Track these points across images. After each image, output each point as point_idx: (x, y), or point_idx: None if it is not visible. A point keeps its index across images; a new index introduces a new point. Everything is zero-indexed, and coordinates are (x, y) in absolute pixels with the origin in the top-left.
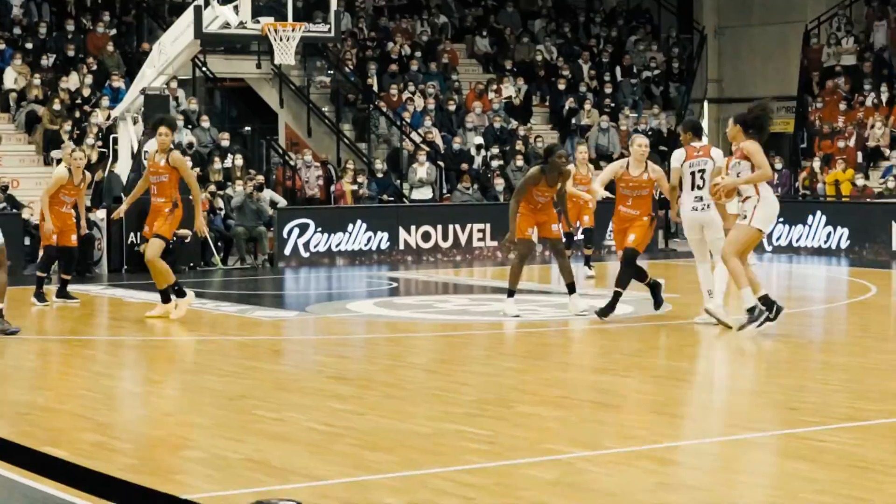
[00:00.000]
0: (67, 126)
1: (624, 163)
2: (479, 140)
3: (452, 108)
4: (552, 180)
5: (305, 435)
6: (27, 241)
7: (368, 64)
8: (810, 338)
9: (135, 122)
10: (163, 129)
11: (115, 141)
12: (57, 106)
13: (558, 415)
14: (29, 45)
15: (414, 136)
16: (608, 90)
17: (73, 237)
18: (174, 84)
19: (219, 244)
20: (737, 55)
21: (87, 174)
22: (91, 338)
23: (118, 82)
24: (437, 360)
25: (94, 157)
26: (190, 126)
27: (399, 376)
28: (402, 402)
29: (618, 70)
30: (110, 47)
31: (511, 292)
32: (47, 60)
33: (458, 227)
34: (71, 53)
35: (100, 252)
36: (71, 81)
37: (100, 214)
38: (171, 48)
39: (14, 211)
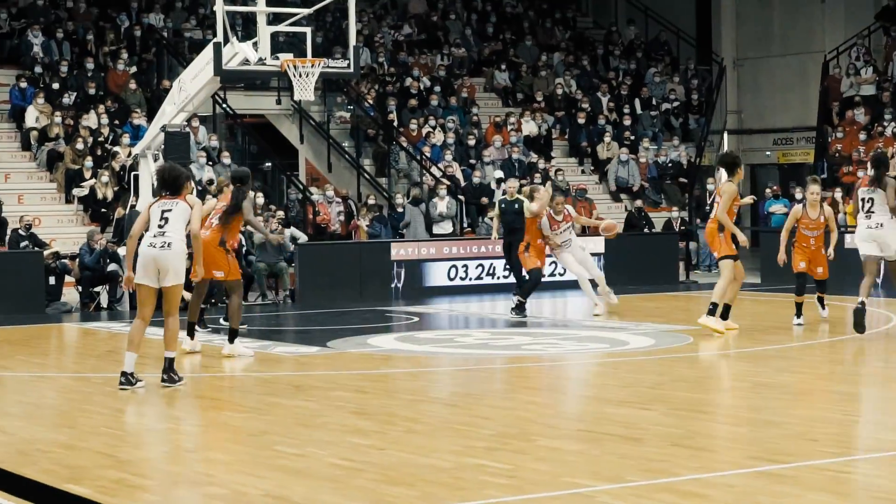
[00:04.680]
0: (89, 163)
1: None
2: (500, 174)
3: (472, 142)
4: None
5: (327, 470)
6: (52, 280)
7: (388, 99)
8: (831, 368)
9: (155, 160)
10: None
11: (136, 178)
12: (80, 145)
13: (580, 448)
14: (55, 86)
15: (434, 170)
16: (627, 122)
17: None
18: (195, 121)
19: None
20: (756, 86)
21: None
22: (113, 375)
23: (139, 120)
24: (458, 395)
25: (110, 195)
26: (211, 163)
27: (419, 411)
28: (423, 437)
29: (637, 102)
30: (132, 85)
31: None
32: (69, 99)
33: (479, 260)
34: (92, 91)
35: (122, 289)
36: (91, 120)
37: (121, 251)
38: (191, 85)
39: (36, 249)
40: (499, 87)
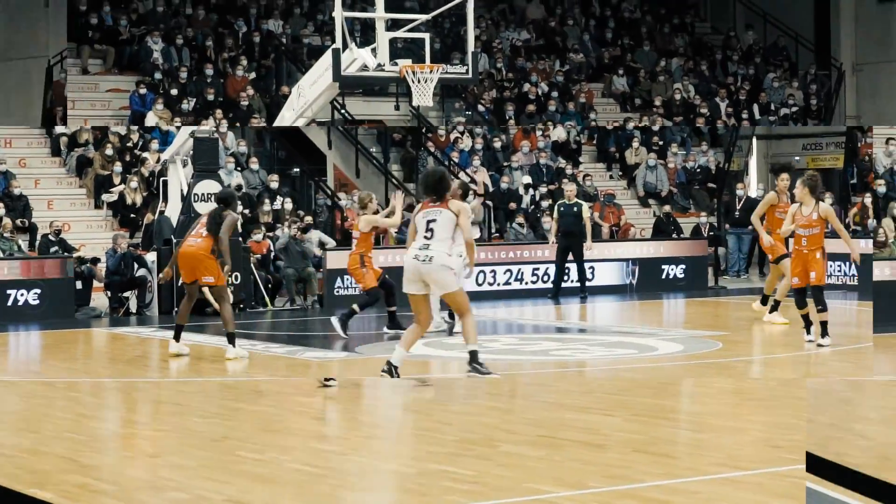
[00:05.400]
0: (118, 168)
1: None
2: (528, 179)
3: (498, 144)
4: None
5: (289, 476)
6: (79, 285)
7: (506, 104)
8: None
9: (184, 165)
10: None
11: (165, 184)
12: (109, 150)
13: (542, 454)
14: (174, 92)
15: (462, 175)
16: (745, 126)
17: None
18: (223, 127)
19: (268, 286)
20: (875, 91)
21: None
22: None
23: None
24: (423, 400)
25: (139, 201)
26: (239, 168)
27: (384, 416)
28: (386, 443)
29: (755, 108)
30: (250, 91)
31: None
32: (188, 105)
33: (507, 266)
34: (210, 97)
35: (150, 294)
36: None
37: (150, 257)
38: (310, 91)
39: (65, 254)
40: (617, 92)
